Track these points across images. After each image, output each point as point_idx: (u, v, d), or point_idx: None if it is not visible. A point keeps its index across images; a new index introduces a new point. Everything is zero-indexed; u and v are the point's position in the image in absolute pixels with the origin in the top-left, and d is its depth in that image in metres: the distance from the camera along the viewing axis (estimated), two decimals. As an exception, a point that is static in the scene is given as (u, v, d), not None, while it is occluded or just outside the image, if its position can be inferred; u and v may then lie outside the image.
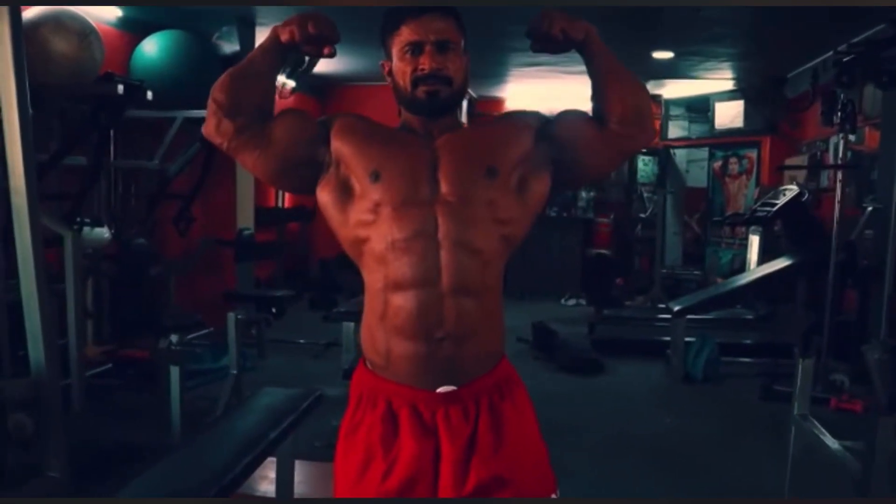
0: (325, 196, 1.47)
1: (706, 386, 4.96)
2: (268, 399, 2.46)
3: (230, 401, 3.63)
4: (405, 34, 1.42)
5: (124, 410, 4.03)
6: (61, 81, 3.94)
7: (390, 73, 1.48)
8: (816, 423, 2.64)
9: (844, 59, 4.21)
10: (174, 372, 3.07)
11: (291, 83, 7.13)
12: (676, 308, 5.19)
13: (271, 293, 5.29)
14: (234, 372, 3.75)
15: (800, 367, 2.68)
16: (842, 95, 4.40)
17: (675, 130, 8.61)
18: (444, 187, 1.40)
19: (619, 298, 7.31)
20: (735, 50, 6.12)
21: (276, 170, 1.49)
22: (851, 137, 4.83)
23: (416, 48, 1.41)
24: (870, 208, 4.80)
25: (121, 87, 3.89)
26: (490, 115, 6.53)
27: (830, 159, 6.16)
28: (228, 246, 5.26)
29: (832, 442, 2.52)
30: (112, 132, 4.69)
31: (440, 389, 1.38)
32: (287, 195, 8.08)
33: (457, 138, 1.47)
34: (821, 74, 5.79)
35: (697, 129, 8.41)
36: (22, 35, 2.58)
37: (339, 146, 1.45)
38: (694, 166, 8.79)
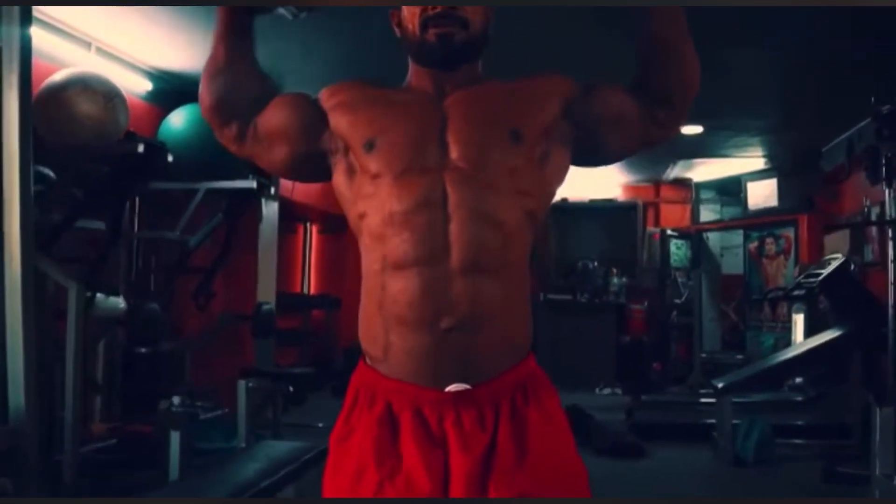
0: (336, 179, 1.31)
1: (760, 469, 4.54)
2: (268, 450, 2.22)
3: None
4: None
5: (121, 488, 3.74)
6: (85, 143, 3.91)
7: (399, 23, 1.32)
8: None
9: (884, 111, 4.06)
10: (174, 438, 2.83)
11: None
12: (720, 385, 4.84)
13: (289, 371, 5.05)
14: (243, 446, 3.48)
15: (878, 417, 2.37)
16: (883, 151, 4.22)
17: (707, 214, 8.44)
18: (453, 151, 1.21)
19: (658, 383, 6.93)
20: (765, 122, 6.01)
21: (287, 168, 1.36)
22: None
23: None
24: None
25: (141, 147, 3.83)
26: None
27: (874, 234, 5.92)
28: (247, 320, 5.08)
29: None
30: (135, 202, 4.64)
31: (450, 388, 1.14)
32: (313, 282, 7.97)
33: (473, 95, 1.28)
34: (856, 144, 5.65)
35: (730, 212, 8.23)
36: (30, 85, 2.52)
37: (336, 123, 1.28)
38: (728, 253, 8.56)
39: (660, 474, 4.52)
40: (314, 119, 1.30)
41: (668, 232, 8.28)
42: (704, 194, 8.41)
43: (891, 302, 4.38)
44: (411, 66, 1.34)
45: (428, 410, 1.15)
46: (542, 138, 1.26)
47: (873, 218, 5.78)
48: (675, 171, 8.02)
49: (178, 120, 4.98)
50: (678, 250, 8.44)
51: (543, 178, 1.27)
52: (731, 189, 8.06)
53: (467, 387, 1.15)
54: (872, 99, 4.03)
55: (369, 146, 1.22)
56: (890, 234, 4.35)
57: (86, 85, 3.98)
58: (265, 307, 5.09)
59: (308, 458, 2.21)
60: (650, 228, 8.57)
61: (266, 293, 5.31)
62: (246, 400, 3.37)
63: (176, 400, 2.99)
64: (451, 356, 1.14)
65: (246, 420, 3.42)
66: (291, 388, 4.83)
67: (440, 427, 1.14)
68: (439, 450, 1.13)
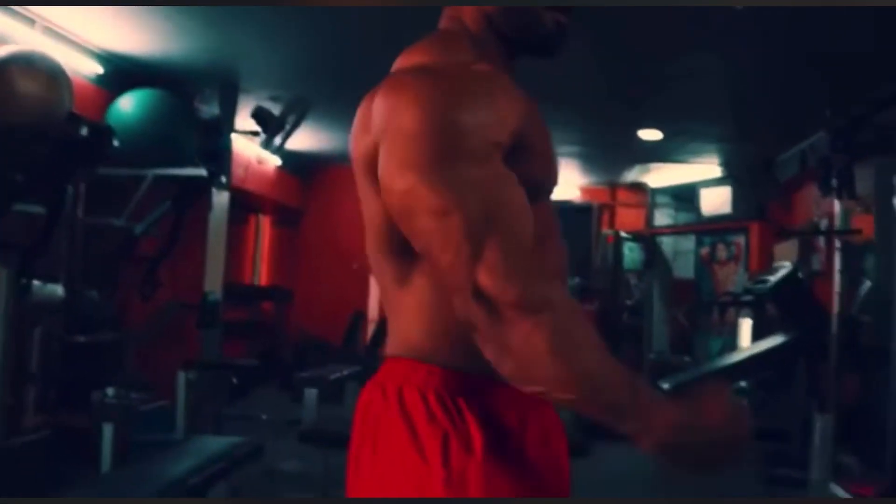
0: None
1: (702, 471, 4.59)
2: (201, 445, 2.14)
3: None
4: None
5: (51, 483, 3.60)
6: (25, 123, 3.76)
7: None
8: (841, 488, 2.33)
9: (838, 125, 4.12)
10: (107, 430, 2.72)
11: (276, 160, 7.02)
12: (666, 386, 4.87)
13: (233, 362, 4.94)
14: (180, 438, 3.39)
15: (817, 424, 2.39)
16: (835, 162, 4.28)
17: (662, 219, 8.53)
18: None
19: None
20: (722, 130, 6.08)
21: None
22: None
23: None
24: (867, 283, 4.62)
25: (84, 129, 3.69)
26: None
27: (821, 244, 6.03)
28: (192, 310, 4.95)
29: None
30: (80, 187, 4.48)
31: None
32: (264, 274, 7.83)
33: None
34: (809, 156, 5.75)
35: (684, 217, 8.34)
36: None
37: None
38: (681, 257, 8.67)
39: (605, 474, 4.54)
40: None
41: (622, 235, 8.35)
42: (660, 199, 8.51)
43: (835, 310, 4.46)
44: (491, 52, 1.06)
45: None
46: None
47: (822, 228, 5.91)
48: (632, 175, 8.10)
49: (127, 104, 4.83)
50: (631, 253, 8.52)
51: None
52: (686, 195, 8.16)
53: None
54: (827, 112, 4.09)
55: None
56: (837, 244, 4.42)
57: (28, 62, 3.82)
58: (211, 297, 4.98)
59: (241, 455, 2.14)
60: (605, 230, 8.64)
61: (214, 284, 5.19)
62: (185, 392, 3.27)
63: (110, 391, 2.88)
64: None
65: (185, 412, 3.32)
66: (235, 381, 4.74)
67: None
68: None
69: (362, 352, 6.94)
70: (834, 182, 4.25)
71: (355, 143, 1.03)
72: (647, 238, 8.20)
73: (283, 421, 5.10)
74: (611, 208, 8.76)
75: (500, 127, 0.91)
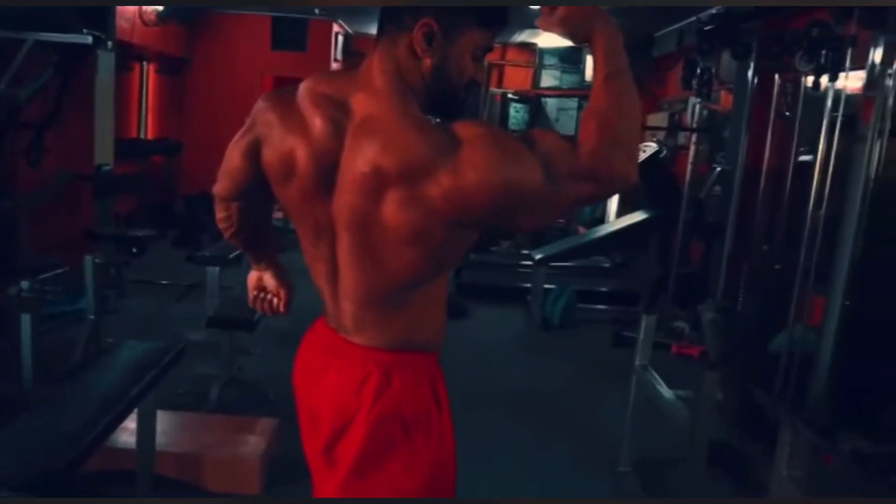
0: None
1: (563, 332, 5.27)
2: (129, 353, 2.41)
3: (88, 347, 3.52)
4: (487, 38, 1.25)
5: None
6: None
7: (433, 41, 1.20)
8: (655, 373, 2.90)
9: (705, 28, 4.46)
10: (25, 320, 2.94)
11: (158, 7, 6.73)
12: (538, 257, 5.44)
13: (132, 233, 5.06)
14: (92, 317, 3.63)
15: (643, 322, 2.92)
16: (700, 63, 4.67)
17: (548, 80, 8.82)
18: None
19: (486, 243, 7.50)
20: (606, 8, 6.29)
21: None
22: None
23: (483, 55, 1.28)
24: (718, 168, 5.17)
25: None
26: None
27: (688, 119, 6.54)
28: (87, 181, 4.98)
29: (666, 392, 2.78)
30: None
31: None
32: (150, 126, 7.69)
33: None
34: (686, 37, 6.09)
35: (569, 80, 8.65)
36: None
37: None
38: (563, 115, 9.06)
39: (480, 335, 5.12)
40: None
41: (509, 95, 8.62)
42: (547, 60, 8.74)
43: (687, 179, 5.00)
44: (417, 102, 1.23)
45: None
46: None
47: (689, 108, 6.39)
48: (523, 36, 8.24)
49: (-1, -39, 4.53)
50: (517, 114, 8.84)
51: None
52: (573, 58, 8.44)
53: None
54: (696, 18, 4.39)
55: None
56: (693, 137, 4.91)
57: None
58: (105, 168, 5.00)
59: (169, 361, 2.42)
60: (493, 89, 8.87)
61: (104, 151, 5.17)
62: (93, 275, 3.47)
63: (25, 284, 3.06)
64: None
65: (94, 294, 3.54)
66: (135, 250, 4.89)
67: None
68: None
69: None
70: (695, 81, 4.66)
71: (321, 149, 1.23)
72: (533, 99, 8.50)
73: (184, 286, 5.33)
74: (500, 67, 8.94)
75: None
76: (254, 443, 2.87)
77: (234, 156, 1.38)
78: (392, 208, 1.16)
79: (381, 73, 1.22)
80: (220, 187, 1.46)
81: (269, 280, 1.62)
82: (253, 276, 1.63)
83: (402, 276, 1.25)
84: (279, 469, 2.86)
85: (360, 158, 1.17)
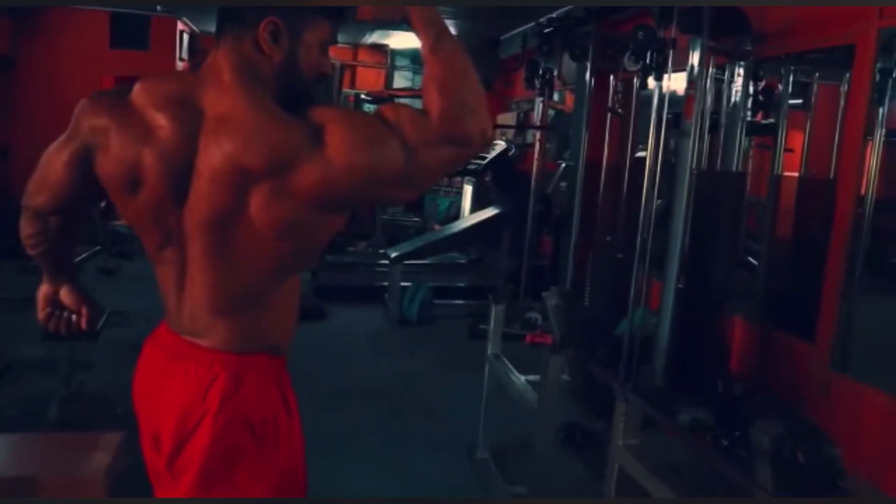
0: None
1: (420, 328, 5.34)
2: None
3: None
4: (328, 30, 1.24)
5: None
6: None
7: (279, 38, 1.19)
8: (506, 361, 3.01)
9: (545, 31, 4.67)
10: None
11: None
12: (393, 255, 5.49)
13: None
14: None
15: (493, 312, 3.02)
16: (542, 64, 4.88)
17: (400, 81, 8.91)
18: None
19: (342, 244, 7.47)
20: (457, 9, 6.44)
21: None
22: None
23: (327, 48, 1.28)
24: (563, 164, 5.44)
25: None
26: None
27: (536, 118, 6.81)
28: None
29: (517, 377, 2.89)
30: None
31: None
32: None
33: None
34: (529, 39, 6.35)
35: (421, 81, 8.77)
36: None
37: None
38: (417, 115, 9.17)
39: (339, 336, 5.10)
40: None
41: (362, 96, 8.63)
42: (399, 61, 8.83)
43: (534, 175, 5.20)
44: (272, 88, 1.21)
45: None
46: None
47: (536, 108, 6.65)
48: (374, 38, 8.28)
49: None
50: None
51: None
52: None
53: None
54: (534, 23, 4.59)
55: None
56: (539, 135, 5.12)
57: None
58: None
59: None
60: (345, 90, 8.85)
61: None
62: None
63: None
64: None
65: None
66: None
67: None
68: None
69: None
70: (538, 81, 4.87)
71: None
72: (386, 99, 8.54)
73: (20, 298, 4.95)
74: (353, 68, 8.95)
75: None
76: (98, 459, 2.71)
77: (55, 166, 1.28)
78: (259, 204, 1.14)
79: (230, 69, 1.19)
80: (37, 201, 1.33)
81: (66, 295, 1.49)
82: (46, 292, 1.49)
83: (261, 274, 1.23)
84: (131, 484, 2.72)
85: (220, 157, 1.14)
